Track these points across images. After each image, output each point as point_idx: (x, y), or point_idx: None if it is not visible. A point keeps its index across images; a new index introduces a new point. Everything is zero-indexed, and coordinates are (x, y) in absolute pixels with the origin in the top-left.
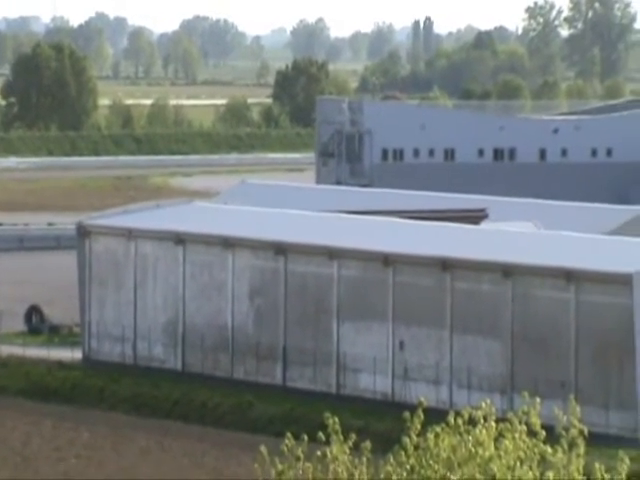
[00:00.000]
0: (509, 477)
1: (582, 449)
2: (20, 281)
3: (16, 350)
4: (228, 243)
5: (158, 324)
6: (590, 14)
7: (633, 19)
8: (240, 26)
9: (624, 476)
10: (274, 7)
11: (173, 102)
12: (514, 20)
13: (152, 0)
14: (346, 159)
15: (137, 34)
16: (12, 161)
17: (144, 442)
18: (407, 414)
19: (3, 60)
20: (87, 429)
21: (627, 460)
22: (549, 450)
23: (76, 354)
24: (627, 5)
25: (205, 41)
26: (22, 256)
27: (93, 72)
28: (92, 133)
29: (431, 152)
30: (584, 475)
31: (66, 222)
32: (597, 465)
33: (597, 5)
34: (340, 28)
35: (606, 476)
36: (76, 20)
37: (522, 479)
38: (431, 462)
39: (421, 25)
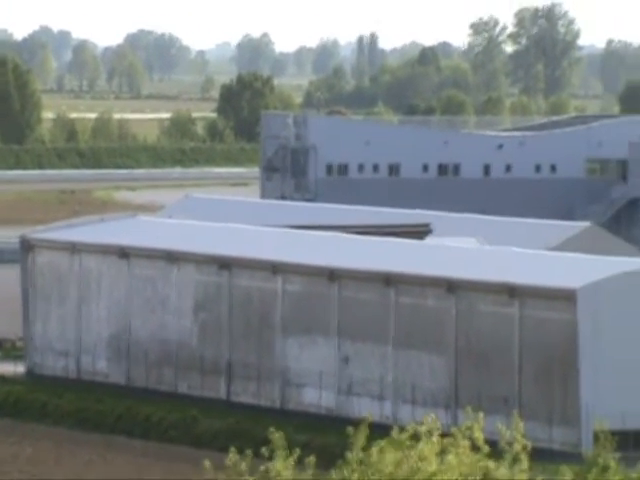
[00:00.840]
0: None
1: (525, 464)
2: None
3: None
4: (172, 257)
5: (102, 338)
6: (534, 30)
7: (577, 36)
8: (184, 40)
9: None
10: (219, 21)
11: (117, 116)
12: (459, 36)
13: (96, 14)
14: (291, 174)
15: (81, 47)
16: None
17: (87, 456)
18: (351, 429)
19: None
20: (30, 444)
21: (569, 475)
22: (492, 465)
23: (19, 368)
24: (571, 22)
25: (149, 55)
26: None
27: (37, 85)
28: (36, 146)
29: (375, 167)
30: None
31: (9, 235)
32: None
33: (541, 22)
34: (285, 43)
35: None
36: (20, 33)
37: None
38: (375, 477)
39: (366, 40)
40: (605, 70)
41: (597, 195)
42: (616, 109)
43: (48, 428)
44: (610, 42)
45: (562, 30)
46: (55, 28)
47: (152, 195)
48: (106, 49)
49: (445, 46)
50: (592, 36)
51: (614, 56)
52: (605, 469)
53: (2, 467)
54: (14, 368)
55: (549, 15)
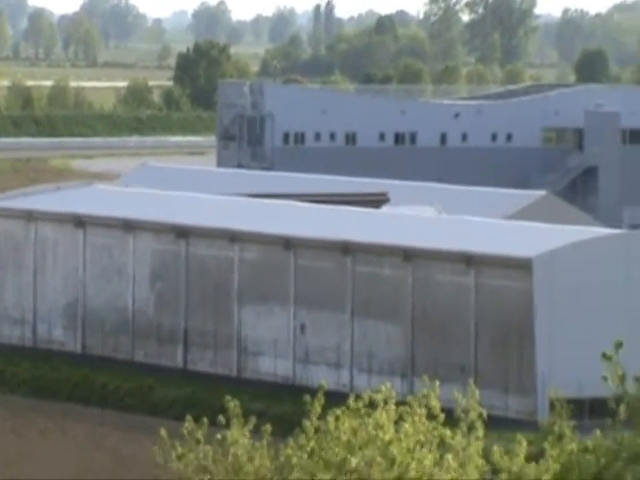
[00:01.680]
0: (409, 460)
1: (481, 432)
2: None
3: None
4: (129, 226)
5: (58, 307)
6: None
7: (533, 4)
8: (141, 8)
9: (522, 458)
10: None
11: (74, 84)
12: (415, 4)
13: None
14: (247, 142)
15: (37, 15)
16: None
17: (44, 425)
18: (308, 397)
19: None
20: None
21: (525, 443)
22: (448, 433)
23: None
24: None
25: (106, 23)
26: None
27: None
28: None
29: (332, 136)
30: (483, 458)
31: None
32: (495, 448)
33: None
34: (242, 11)
35: (504, 458)
36: None
37: (422, 462)
38: (331, 445)
39: (322, 9)
40: (561, 39)
41: (553, 164)
42: (572, 78)
43: (4, 396)
44: (566, 11)
45: None
46: None
47: (109, 163)
48: (62, 17)
49: (402, 15)
50: (548, 5)
51: (570, 25)
52: (560, 437)
53: None
54: None
55: None
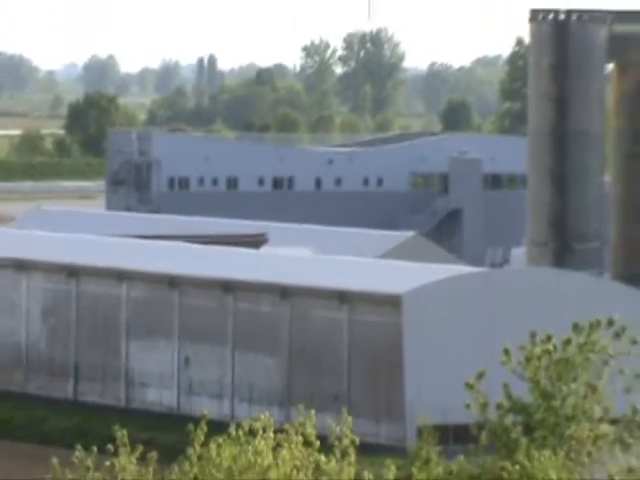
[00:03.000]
0: None
1: (353, 458)
2: None
3: None
4: (22, 266)
5: None
6: (362, 53)
7: (402, 58)
8: (34, 61)
9: None
10: (66, 43)
11: None
12: (292, 58)
13: None
14: (135, 187)
15: None
16: None
17: None
18: (191, 426)
19: None
20: None
21: (393, 468)
22: (323, 459)
23: None
24: (396, 45)
25: (0, 74)
26: None
27: None
28: None
29: (215, 181)
30: None
31: None
32: (366, 473)
33: (369, 45)
34: (129, 64)
35: None
36: None
37: None
38: (213, 471)
39: (205, 62)
40: (428, 90)
41: (420, 207)
42: (438, 127)
43: None
44: (432, 64)
45: (388, 53)
46: None
47: (3, 207)
48: None
49: (280, 67)
50: (416, 59)
51: (436, 77)
52: (427, 462)
53: None
54: None
55: (376, 39)
